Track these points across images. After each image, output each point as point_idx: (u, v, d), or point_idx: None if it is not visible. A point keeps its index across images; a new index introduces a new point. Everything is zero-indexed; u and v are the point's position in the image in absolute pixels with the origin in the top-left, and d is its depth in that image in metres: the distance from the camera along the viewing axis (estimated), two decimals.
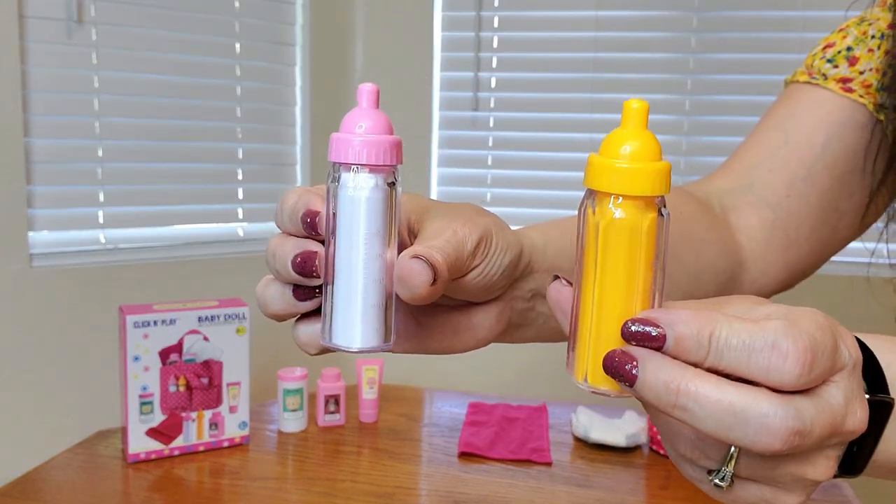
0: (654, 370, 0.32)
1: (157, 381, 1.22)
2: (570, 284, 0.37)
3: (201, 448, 1.26)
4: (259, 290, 0.41)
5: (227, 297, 1.31)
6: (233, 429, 1.28)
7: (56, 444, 1.33)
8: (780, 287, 0.69)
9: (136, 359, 1.20)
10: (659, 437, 0.40)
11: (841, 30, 0.69)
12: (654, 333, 0.32)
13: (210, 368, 1.25)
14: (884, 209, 0.69)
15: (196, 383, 1.25)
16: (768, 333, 0.32)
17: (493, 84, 2.01)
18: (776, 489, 0.36)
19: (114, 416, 1.35)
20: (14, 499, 1.10)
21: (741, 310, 0.35)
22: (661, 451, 1.28)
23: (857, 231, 0.70)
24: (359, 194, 0.37)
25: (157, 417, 1.22)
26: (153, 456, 1.23)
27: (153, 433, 1.23)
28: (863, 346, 0.37)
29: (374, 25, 2.00)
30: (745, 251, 0.66)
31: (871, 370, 0.36)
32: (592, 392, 0.36)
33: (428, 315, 0.44)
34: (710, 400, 0.31)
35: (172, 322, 1.22)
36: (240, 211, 1.89)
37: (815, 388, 0.33)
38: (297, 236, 0.39)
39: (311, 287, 0.39)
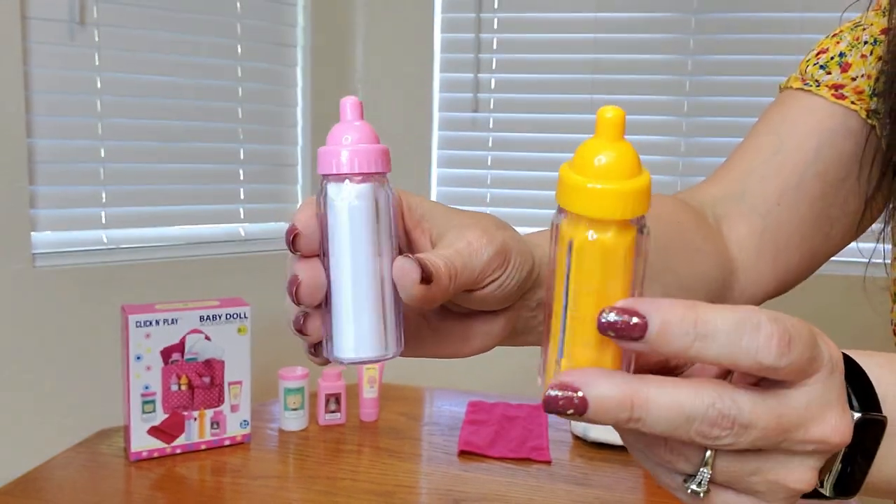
0: (602, 391, 0.31)
1: (158, 380, 1.22)
2: None
3: (203, 447, 1.27)
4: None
5: (228, 296, 1.32)
6: (234, 427, 1.29)
7: (58, 442, 1.33)
8: (770, 296, 0.69)
9: (139, 358, 1.21)
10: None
11: (835, 35, 0.69)
12: (634, 321, 0.31)
13: (212, 367, 1.26)
14: (878, 214, 0.69)
15: (198, 382, 1.25)
16: (751, 314, 0.31)
17: (492, 85, 2.02)
18: (755, 499, 0.35)
19: (116, 414, 1.36)
20: (16, 498, 1.11)
21: None
22: None
23: (851, 237, 0.70)
24: (343, 204, 0.37)
25: (159, 416, 1.23)
26: (155, 454, 1.23)
27: (155, 432, 1.23)
28: (852, 363, 0.36)
29: (374, 27, 2.01)
30: (737, 261, 0.66)
31: (861, 387, 0.35)
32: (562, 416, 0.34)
33: (440, 321, 0.44)
34: (659, 403, 0.31)
35: (174, 321, 1.22)
36: (241, 211, 1.89)
37: (771, 386, 0.32)
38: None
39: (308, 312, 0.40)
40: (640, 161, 0.32)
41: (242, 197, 1.89)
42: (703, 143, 1.93)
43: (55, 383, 1.62)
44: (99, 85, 1.65)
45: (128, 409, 1.22)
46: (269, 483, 1.18)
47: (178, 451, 1.25)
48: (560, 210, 0.32)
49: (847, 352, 0.36)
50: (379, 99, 2.01)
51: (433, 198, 2.01)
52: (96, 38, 1.64)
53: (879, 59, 0.65)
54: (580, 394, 0.31)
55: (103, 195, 1.69)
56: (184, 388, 1.25)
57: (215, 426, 1.28)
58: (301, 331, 0.40)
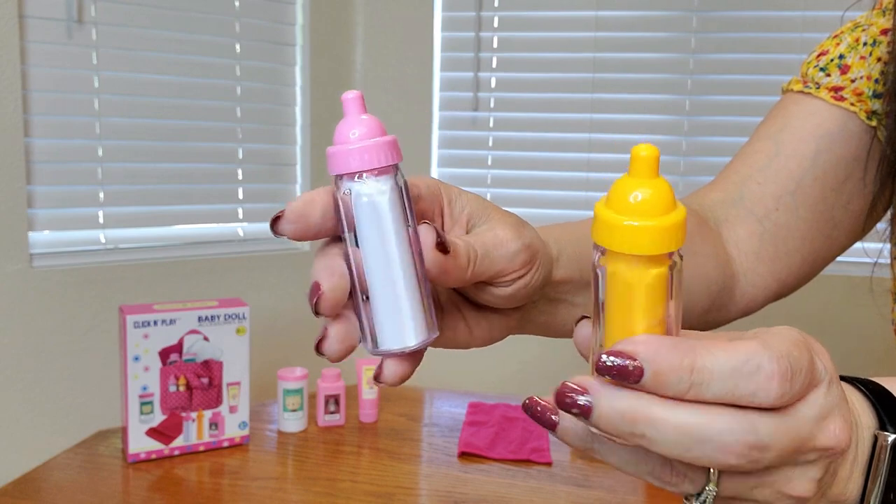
0: (608, 401, 0.32)
1: (157, 381, 1.22)
2: (589, 321, 0.37)
3: (201, 448, 1.26)
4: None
5: (227, 297, 1.32)
6: (233, 429, 1.28)
7: (56, 444, 1.33)
8: (771, 299, 0.69)
9: (137, 359, 1.20)
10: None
11: (835, 36, 0.69)
12: (630, 367, 0.31)
13: (210, 368, 1.25)
14: (883, 213, 0.69)
15: (196, 383, 1.25)
16: (750, 356, 0.31)
17: (492, 84, 2.01)
18: None
19: (114, 415, 1.35)
20: (14, 499, 1.10)
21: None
22: None
23: (857, 237, 0.70)
24: (375, 199, 0.37)
25: (158, 417, 1.22)
26: (153, 456, 1.23)
27: (153, 433, 1.23)
28: (878, 387, 0.37)
29: (374, 25, 2.00)
30: (736, 264, 0.66)
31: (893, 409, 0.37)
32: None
33: (461, 309, 0.45)
34: (668, 424, 0.31)
35: (172, 322, 1.22)
36: (240, 211, 1.89)
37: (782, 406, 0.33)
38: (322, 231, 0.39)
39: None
40: (673, 196, 0.32)
41: (241, 196, 1.88)
42: (704, 143, 1.92)
43: (53, 384, 1.61)
44: (97, 84, 1.64)
45: (125, 411, 1.21)
46: (267, 485, 1.17)
47: (177, 452, 1.24)
48: (596, 247, 0.33)
49: (878, 380, 0.38)
50: (379, 98, 2.00)
51: None
52: (94, 37, 1.63)
53: (879, 60, 0.66)
54: (587, 398, 0.32)
55: (101, 195, 1.68)
56: (182, 388, 1.24)
57: (214, 427, 1.27)
58: (319, 345, 0.39)
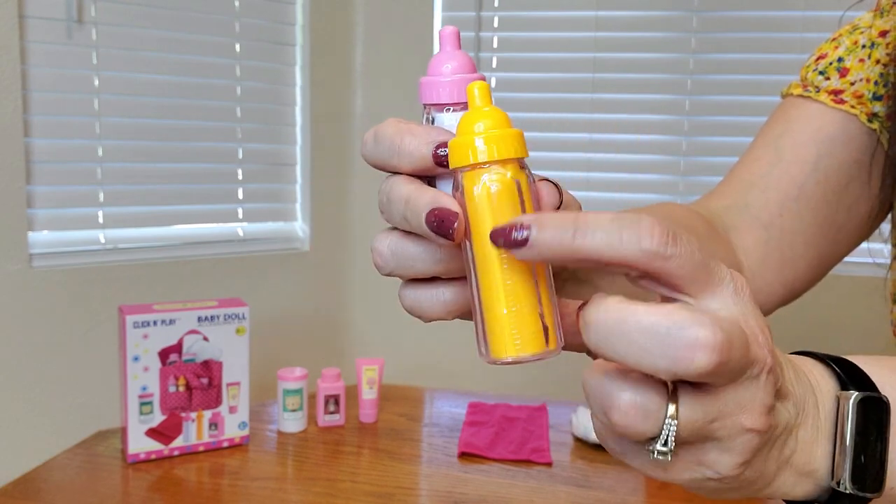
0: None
1: (156, 381, 1.22)
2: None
3: (201, 448, 1.26)
4: (381, 246, 0.37)
5: (226, 297, 1.31)
6: (232, 429, 1.28)
7: (55, 444, 1.33)
8: (779, 304, 0.70)
9: (136, 359, 1.20)
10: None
11: (833, 39, 0.70)
12: (519, 224, 0.32)
13: (210, 368, 1.25)
14: (885, 215, 0.69)
15: (196, 383, 1.25)
16: (633, 215, 0.31)
17: (493, 84, 2.01)
18: (718, 444, 0.33)
19: (113, 416, 1.35)
20: (14, 499, 1.10)
21: None
22: None
23: (863, 238, 0.70)
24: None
25: (157, 418, 1.22)
26: (153, 456, 1.23)
27: (153, 433, 1.22)
28: (838, 358, 0.37)
29: (374, 25, 2.00)
30: (745, 270, 0.67)
31: (858, 377, 0.37)
32: (505, 364, 0.34)
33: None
34: (630, 322, 0.30)
35: (172, 322, 1.22)
36: (240, 211, 1.89)
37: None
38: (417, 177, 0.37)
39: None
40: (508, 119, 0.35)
41: (241, 196, 1.88)
42: (704, 143, 1.92)
43: (52, 384, 1.61)
44: (97, 84, 1.64)
45: (125, 411, 1.21)
46: (267, 485, 1.17)
47: (176, 452, 1.24)
48: (457, 171, 0.35)
49: (851, 357, 0.37)
50: (379, 97, 2.00)
51: None
52: (94, 37, 1.63)
53: (878, 62, 0.66)
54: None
55: (101, 195, 1.68)
56: (182, 389, 1.24)
57: (213, 427, 1.27)
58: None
